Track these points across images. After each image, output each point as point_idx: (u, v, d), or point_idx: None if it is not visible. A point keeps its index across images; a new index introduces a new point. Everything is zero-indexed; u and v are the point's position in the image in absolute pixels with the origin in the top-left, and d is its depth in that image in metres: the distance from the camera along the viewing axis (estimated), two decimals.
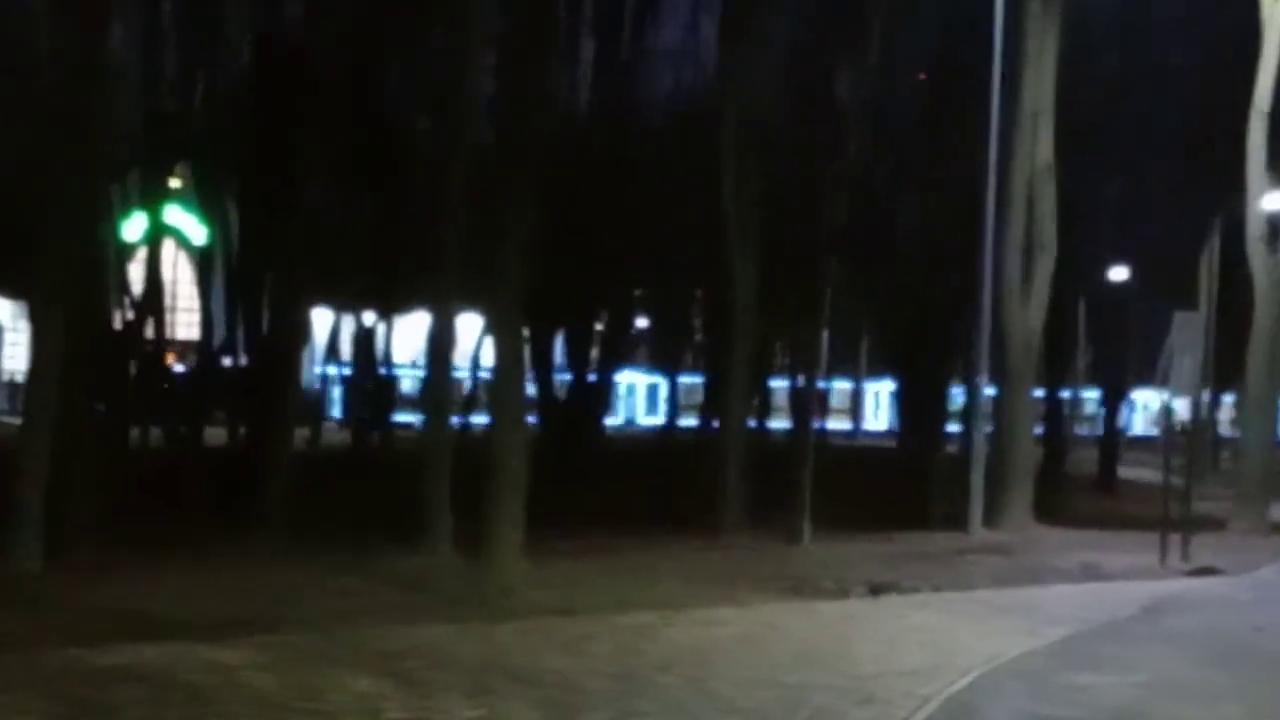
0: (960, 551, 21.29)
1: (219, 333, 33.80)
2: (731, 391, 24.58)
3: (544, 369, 33.22)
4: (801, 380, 29.35)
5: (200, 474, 26.08)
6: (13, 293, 44.62)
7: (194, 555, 17.59)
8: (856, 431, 53.70)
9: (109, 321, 23.06)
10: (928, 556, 20.60)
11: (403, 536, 18.48)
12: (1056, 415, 36.54)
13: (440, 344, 18.98)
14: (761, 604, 16.10)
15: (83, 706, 10.17)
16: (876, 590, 17.23)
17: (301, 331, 24.80)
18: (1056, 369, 34.42)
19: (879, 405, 49.85)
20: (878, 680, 11.92)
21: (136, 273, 31.12)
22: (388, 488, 22.93)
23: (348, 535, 19.32)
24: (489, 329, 18.36)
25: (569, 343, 35.08)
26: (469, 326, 28.47)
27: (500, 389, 17.45)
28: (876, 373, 51.15)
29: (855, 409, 55.68)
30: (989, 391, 24.98)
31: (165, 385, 33.42)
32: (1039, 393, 28.42)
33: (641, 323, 46.19)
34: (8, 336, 48.30)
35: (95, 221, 19.62)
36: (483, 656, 12.35)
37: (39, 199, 18.26)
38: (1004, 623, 15.14)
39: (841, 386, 53.64)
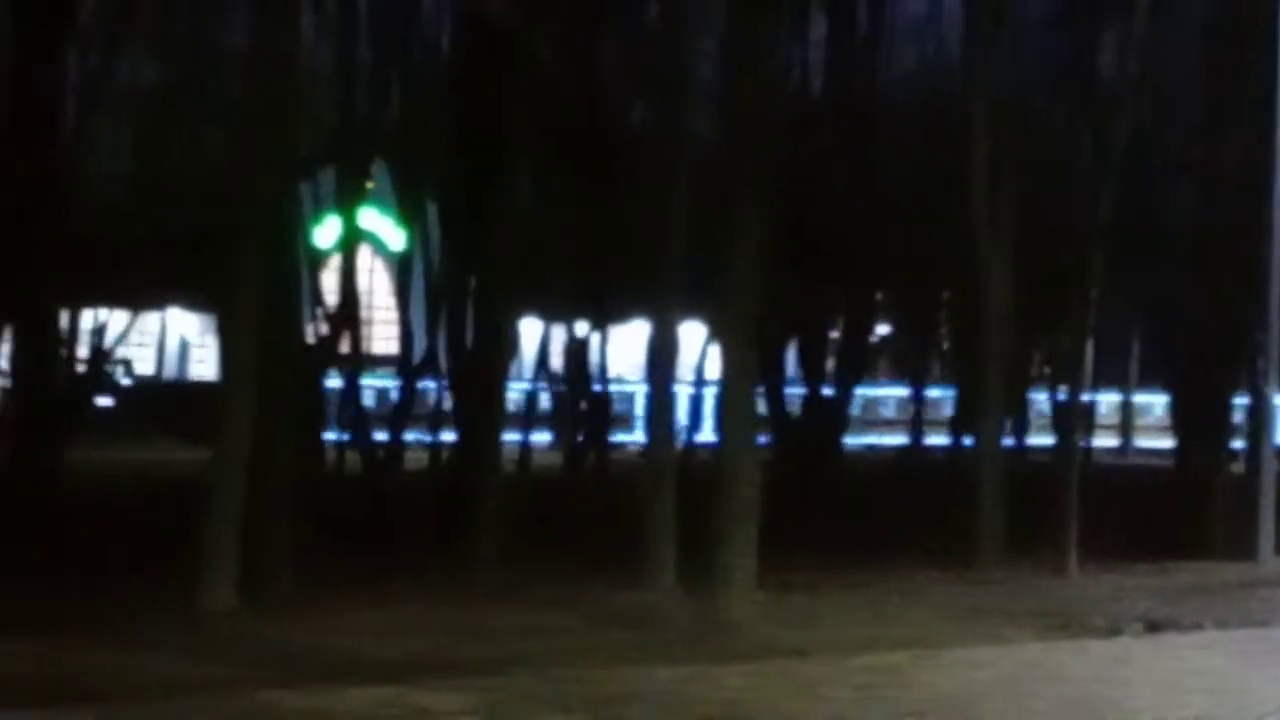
0: (1248, 584, 20.56)
1: (419, 346, 34.20)
2: (985, 406, 24.17)
3: (775, 382, 32.96)
4: (1064, 393, 28.77)
5: (402, 501, 26.43)
6: (199, 305, 45.75)
7: (398, 590, 17.80)
8: (1126, 448, 52.73)
9: (302, 335, 23.40)
10: (1211, 589, 19.97)
11: (621, 568, 18.55)
12: None
13: (662, 356, 19.05)
14: (1024, 643, 15.86)
15: None
16: (1153, 628, 16.83)
17: (509, 343, 24.94)
18: None
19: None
20: None
21: (330, 282, 31.63)
22: (604, 514, 23.05)
23: (562, 568, 19.37)
24: (716, 339, 18.28)
25: (802, 353, 34.86)
26: (692, 336, 28.46)
27: (729, 406, 17.40)
28: (1148, 384, 50.03)
29: (1125, 424, 54.57)
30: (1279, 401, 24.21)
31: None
32: None
33: (882, 330, 45.83)
34: (194, 352, 49.51)
35: (286, 226, 19.97)
36: (710, 702, 12.31)
37: (227, 203, 18.68)
38: None
39: (1109, 399, 52.53)
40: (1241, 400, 28.46)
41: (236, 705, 11.85)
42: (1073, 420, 24.66)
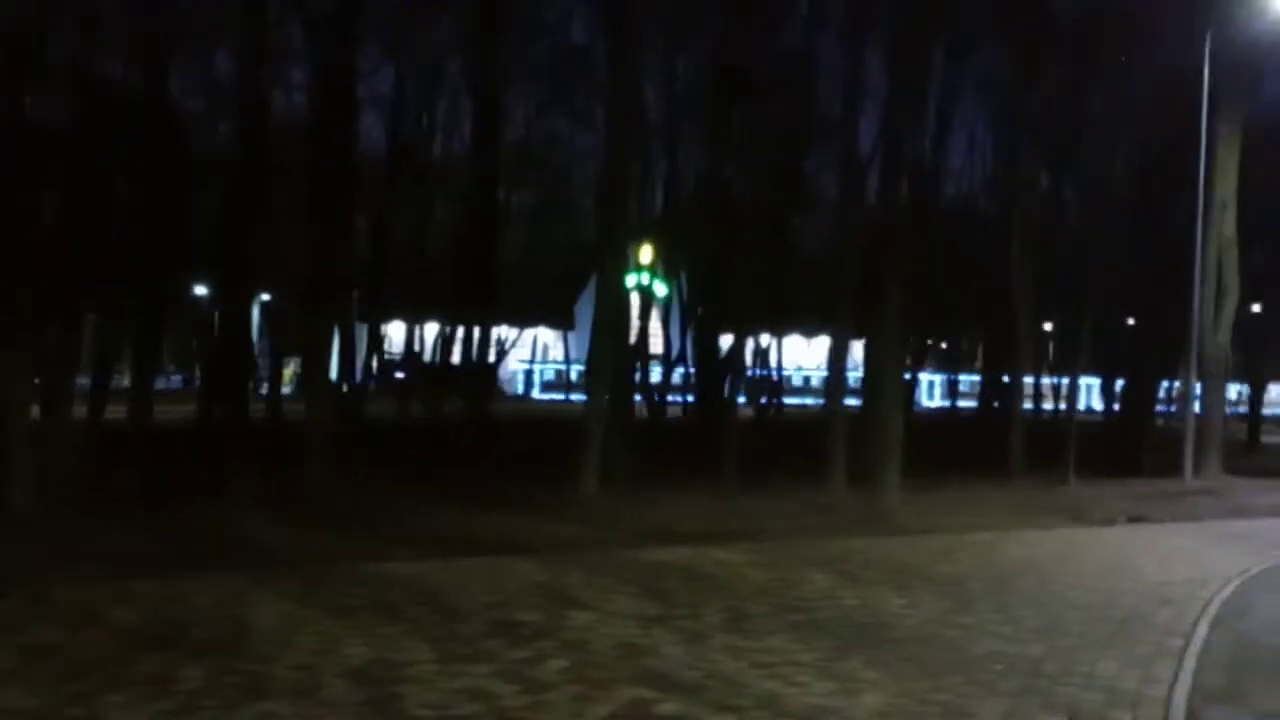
0: (1180, 493, 19.00)
1: (675, 348, 33.76)
2: (1015, 386, 22.81)
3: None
4: (1065, 378, 26.93)
5: (671, 434, 25.75)
6: (555, 326, 45.84)
7: (682, 488, 16.85)
8: (1085, 411, 50.37)
9: (627, 340, 22.73)
10: (1159, 496, 18.42)
11: (806, 478, 17.58)
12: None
13: (838, 357, 18.14)
14: (1058, 528, 14.61)
15: (647, 587, 9.67)
16: (1134, 519, 15.54)
17: (735, 348, 24.17)
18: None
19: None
20: (1166, 587, 10.44)
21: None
22: (784, 446, 22.00)
23: (768, 477, 18.23)
24: (874, 348, 17.20)
25: None
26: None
27: (886, 383, 16.44)
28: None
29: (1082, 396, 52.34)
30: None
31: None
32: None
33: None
34: (550, 352, 49.73)
35: (619, 280, 19.33)
36: (892, 561, 11.39)
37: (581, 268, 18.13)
38: (1237, 546, 13.29)
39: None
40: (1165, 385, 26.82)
41: (611, 558, 11.15)
42: (1073, 395, 23.08)
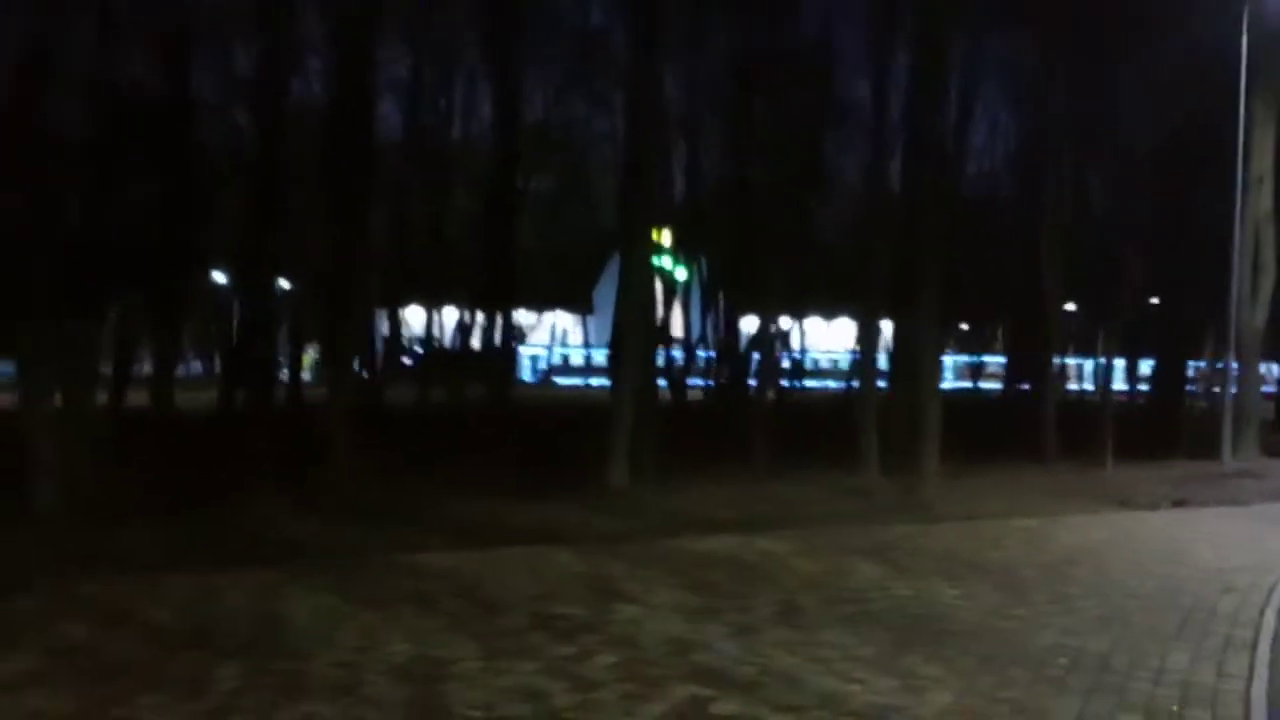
0: (1220, 476, 18.38)
1: (695, 331, 33.45)
2: (1045, 367, 22.43)
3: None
4: (1089, 360, 26.56)
5: (693, 419, 25.35)
6: (572, 309, 45.48)
7: (711, 474, 16.41)
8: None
9: (654, 323, 22.33)
10: (1200, 478, 17.84)
11: (835, 463, 17.17)
12: None
13: (868, 341, 17.74)
14: (1104, 513, 14.06)
15: (692, 579, 9.31)
16: (1178, 504, 14.98)
17: (763, 331, 23.73)
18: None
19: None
20: (1224, 574, 10.01)
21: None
22: (809, 430, 21.55)
23: (798, 461, 17.82)
24: (909, 332, 16.75)
25: None
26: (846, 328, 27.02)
27: (923, 368, 16.01)
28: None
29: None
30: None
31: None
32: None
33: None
34: (568, 336, 49.32)
35: (646, 266, 18.93)
36: (939, 549, 10.98)
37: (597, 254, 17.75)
38: None
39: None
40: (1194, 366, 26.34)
41: (654, 549, 10.78)
42: (1107, 377, 22.54)
